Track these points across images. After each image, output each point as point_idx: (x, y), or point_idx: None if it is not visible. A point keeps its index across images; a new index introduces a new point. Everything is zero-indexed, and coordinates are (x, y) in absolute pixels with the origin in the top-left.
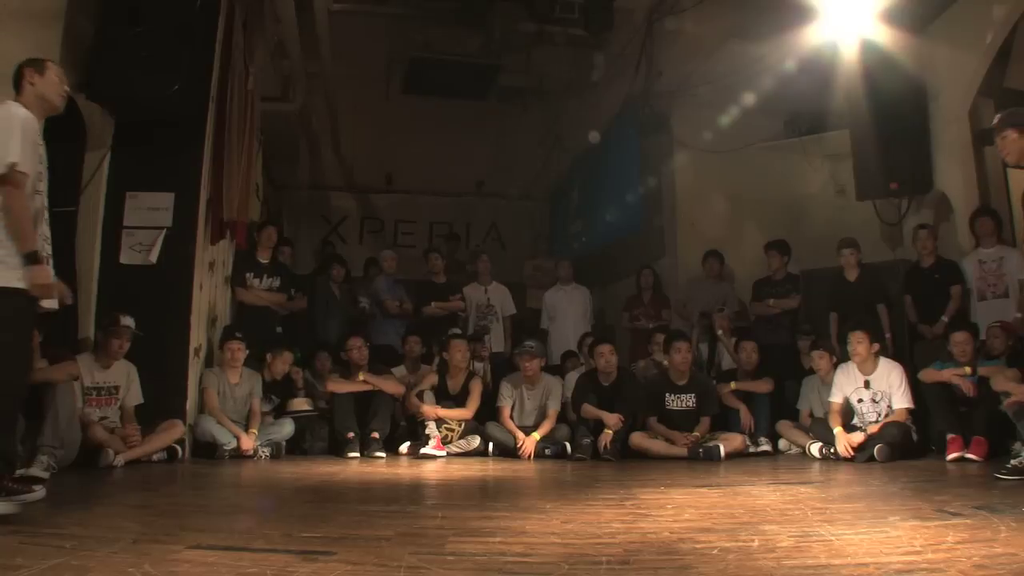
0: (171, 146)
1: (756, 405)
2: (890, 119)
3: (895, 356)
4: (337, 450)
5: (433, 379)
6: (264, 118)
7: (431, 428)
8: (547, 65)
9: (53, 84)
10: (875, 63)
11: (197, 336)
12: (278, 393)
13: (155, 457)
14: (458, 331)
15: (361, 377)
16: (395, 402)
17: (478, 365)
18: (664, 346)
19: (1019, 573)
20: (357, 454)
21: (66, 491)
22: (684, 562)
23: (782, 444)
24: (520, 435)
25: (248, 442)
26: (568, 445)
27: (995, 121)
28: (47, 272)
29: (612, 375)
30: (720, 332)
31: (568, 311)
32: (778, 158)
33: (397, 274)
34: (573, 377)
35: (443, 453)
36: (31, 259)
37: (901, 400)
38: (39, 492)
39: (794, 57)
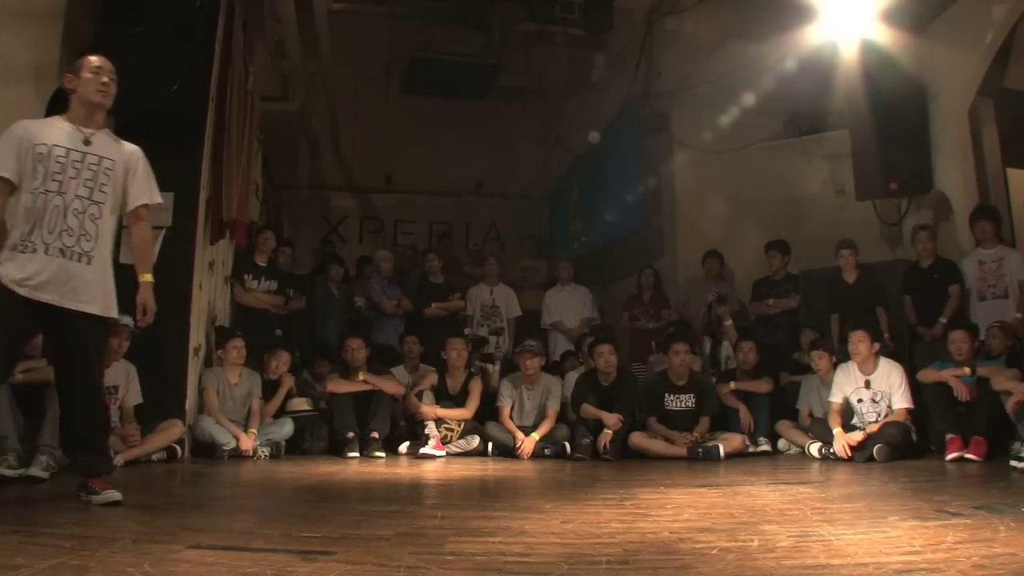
0: (170, 145)
1: (756, 405)
2: (890, 119)
3: (895, 356)
4: (337, 450)
5: (433, 379)
6: (264, 118)
7: (431, 428)
8: (547, 65)
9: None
10: (875, 63)
11: (197, 336)
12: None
13: (154, 457)
14: (483, 335)
15: (361, 377)
16: (395, 402)
17: (488, 368)
18: (663, 346)
19: (1019, 573)
20: (357, 454)
21: (66, 491)
22: (684, 562)
23: (781, 444)
24: (519, 435)
25: (247, 442)
26: (568, 445)
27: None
28: None
29: (612, 375)
30: (727, 323)
31: (568, 311)
32: (778, 158)
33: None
34: (573, 377)
35: (442, 453)
36: None
37: (901, 400)
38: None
39: (794, 57)
